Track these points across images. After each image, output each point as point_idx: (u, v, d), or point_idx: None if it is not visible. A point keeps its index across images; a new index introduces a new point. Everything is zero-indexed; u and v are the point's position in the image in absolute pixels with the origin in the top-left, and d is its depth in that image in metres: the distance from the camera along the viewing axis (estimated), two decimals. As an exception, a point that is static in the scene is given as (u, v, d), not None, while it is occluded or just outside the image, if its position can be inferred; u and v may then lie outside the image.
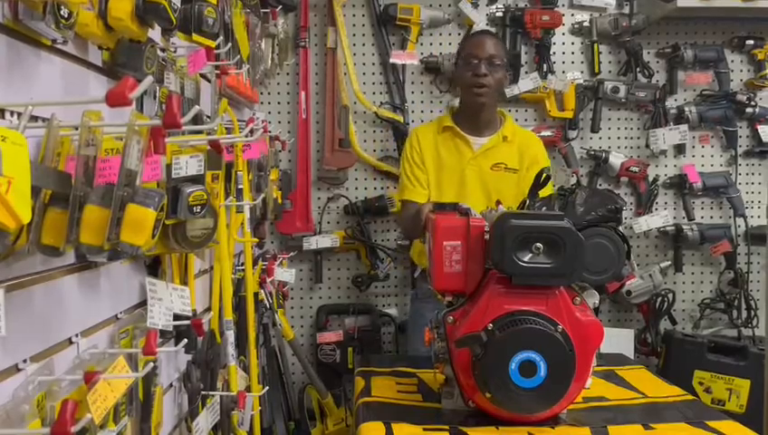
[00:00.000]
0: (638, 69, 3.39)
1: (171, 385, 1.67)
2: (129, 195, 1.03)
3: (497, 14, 3.35)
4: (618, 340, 3.09)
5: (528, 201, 1.83)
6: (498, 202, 2.14)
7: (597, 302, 1.66)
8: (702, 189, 3.43)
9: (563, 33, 3.44)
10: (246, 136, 1.58)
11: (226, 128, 1.90)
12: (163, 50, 1.46)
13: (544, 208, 1.84)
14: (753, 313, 3.36)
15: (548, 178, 1.86)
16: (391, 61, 3.31)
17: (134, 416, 1.31)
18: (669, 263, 3.45)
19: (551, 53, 3.40)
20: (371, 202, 3.36)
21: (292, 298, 3.36)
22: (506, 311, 1.54)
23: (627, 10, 3.39)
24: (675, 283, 3.49)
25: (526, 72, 3.38)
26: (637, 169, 3.41)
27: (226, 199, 1.80)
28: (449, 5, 3.39)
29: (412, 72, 3.40)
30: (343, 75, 3.28)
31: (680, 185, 3.46)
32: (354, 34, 3.37)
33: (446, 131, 2.67)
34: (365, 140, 3.40)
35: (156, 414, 1.42)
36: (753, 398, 2.95)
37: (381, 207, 3.34)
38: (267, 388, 2.26)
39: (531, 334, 1.50)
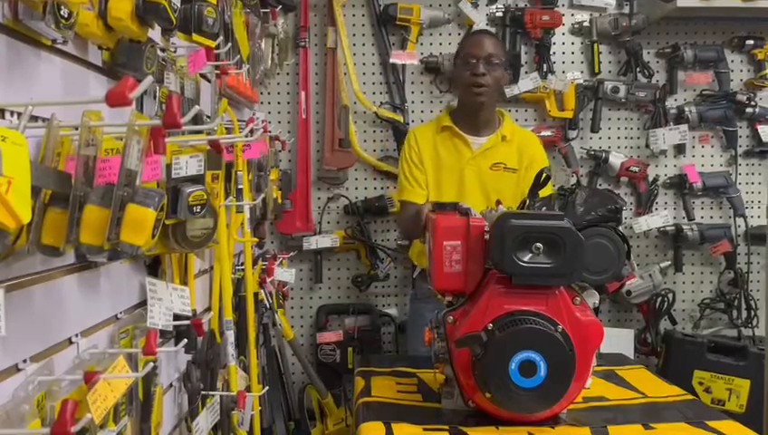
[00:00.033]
0: (638, 69, 3.38)
1: (171, 385, 1.67)
2: (129, 195, 1.03)
3: (497, 14, 3.35)
4: (618, 340, 3.09)
5: (528, 201, 1.83)
6: (498, 202, 2.14)
7: (597, 302, 1.66)
8: (702, 189, 3.43)
9: (563, 33, 3.44)
10: (246, 136, 1.58)
11: (226, 128, 1.90)
12: (163, 50, 1.46)
13: (544, 208, 1.84)
14: (752, 313, 3.36)
15: (548, 178, 1.86)
16: (391, 61, 3.31)
17: (134, 416, 1.31)
18: (669, 263, 3.45)
19: (551, 53, 3.40)
20: (371, 202, 3.36)
21: (292, 298, 3.36)
22: (506, 311, 1.54)
23: (627, 10, 3.39)
24: (675, 283, 3.49)
25: (526, 72, 3.38)
26: (637, 169, 3.41)
27: (226, 199, 1.80)
28: (449, 5, 3.39)
29: (412, 72, 3.40)
30: (343, 75, 3.28)
31: (680, 185, 3.46)
32: (354, 34, 3.37)
33: (445, 131, 2.66)
34: (365, 140, 3.40)
35: (156, 414, 1.42)
36: (753, 398, 2.95)
37: (381, 207, 3.34)
38: (267, 388, 2.26)
39: (531, 334, 1.50)
